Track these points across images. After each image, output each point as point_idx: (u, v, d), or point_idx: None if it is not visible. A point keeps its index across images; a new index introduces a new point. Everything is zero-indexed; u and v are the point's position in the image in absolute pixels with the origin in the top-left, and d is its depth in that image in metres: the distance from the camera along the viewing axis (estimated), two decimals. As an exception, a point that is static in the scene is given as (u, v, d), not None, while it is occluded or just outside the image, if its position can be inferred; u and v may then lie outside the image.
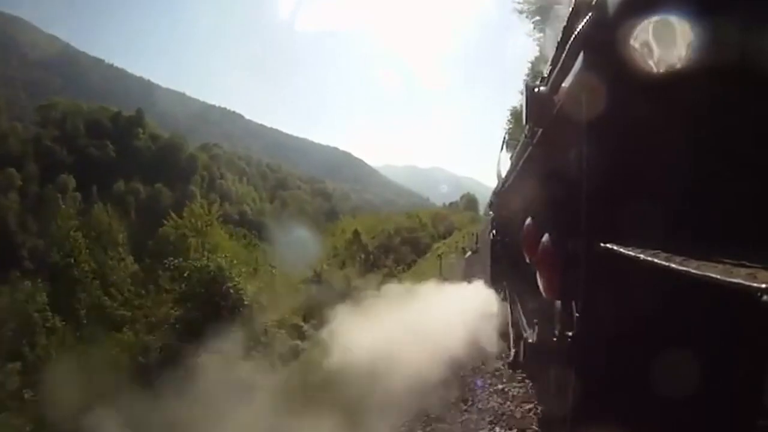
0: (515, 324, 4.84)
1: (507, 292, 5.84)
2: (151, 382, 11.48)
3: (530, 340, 3.44)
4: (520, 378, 5.09)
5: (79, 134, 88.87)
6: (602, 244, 1.35)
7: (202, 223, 26.63)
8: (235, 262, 21.81)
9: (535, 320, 3.39)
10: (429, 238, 41.45)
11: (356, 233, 35.34)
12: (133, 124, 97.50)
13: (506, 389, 5.02)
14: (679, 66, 1.24)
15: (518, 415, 4.44)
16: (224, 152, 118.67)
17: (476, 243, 20.26)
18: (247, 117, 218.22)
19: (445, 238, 42.36)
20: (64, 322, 23.50)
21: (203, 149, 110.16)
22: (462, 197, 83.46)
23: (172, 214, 28.78)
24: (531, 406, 4.49)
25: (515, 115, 22.26)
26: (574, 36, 1.54)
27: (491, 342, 6.22)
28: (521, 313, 4.36)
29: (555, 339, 2.15)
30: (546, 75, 2.22)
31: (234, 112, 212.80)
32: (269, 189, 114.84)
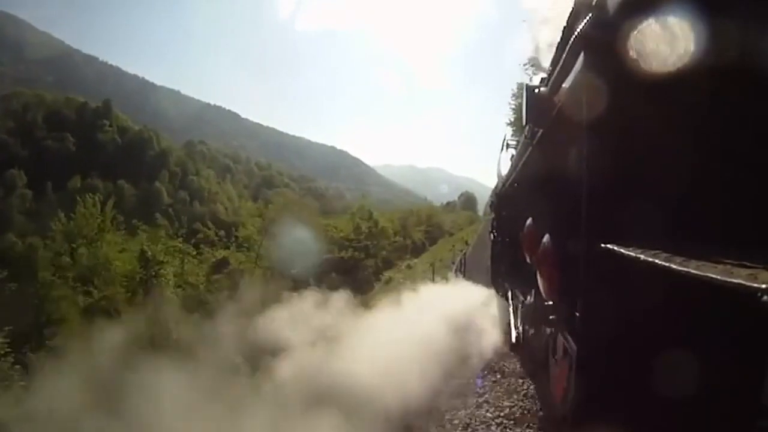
0: (515, 315, 4.85)
1: (507, 292, 5.84)
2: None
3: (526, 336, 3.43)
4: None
5: (38, 126, 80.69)
6: (603, 245, 1.35)
7: (92, 228, 19.35)
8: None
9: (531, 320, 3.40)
10: (393, 253, 25.93)
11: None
12: (99, 115, 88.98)
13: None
14: (679, 66, 1.24)
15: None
16: (208, 149, 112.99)
17: (460, 266, 12.02)
18: (243, 116, 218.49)
19: (422, 251, 28.25)
20: None
21: (187, 146, 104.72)
22: (460, 196, 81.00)
23: (61, 216, 21.06)
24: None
25: (518, 91, 21.40)
26: (574, 37, 1.54)
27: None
28: (520, 313, 4.37)
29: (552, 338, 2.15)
30: (546, 75, 2.22)
31: (229, 110, 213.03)
32: (254, 187, 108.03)
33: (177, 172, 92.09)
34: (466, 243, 26.37)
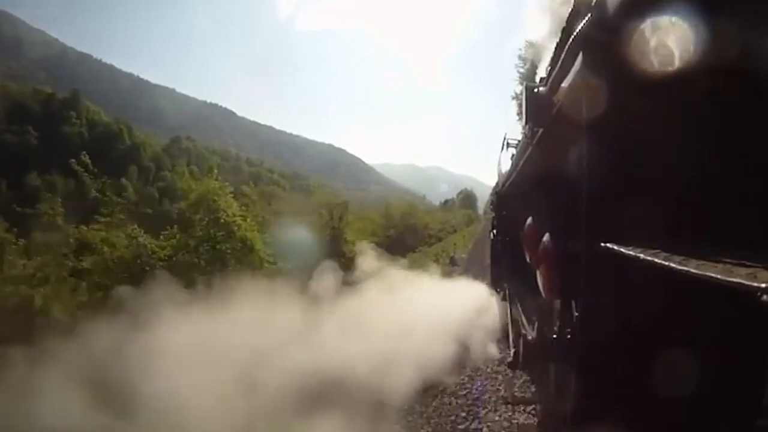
0: (515, 323, 4.86)
1: (507, 291, 5.85)
2: None
3: (529, 338, 3.45)
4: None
5: (-4, 118, 73.23)
6: (602, 244, 1.35)
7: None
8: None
9: (534, 318, 3.40)
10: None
11: None
12: (66, 107, 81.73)
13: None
14: (679, 66, 1.24)
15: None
16: (194, 145, 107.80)
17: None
18: (240, 114, 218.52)
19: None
20: None
21: (173, 142, 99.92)
22: (459, 194, 79.48)
23: None
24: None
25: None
26: (573, 36, 1.54)
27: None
28: (521, 312, 4.38)
29: (554, 338, 2.16)
30: (545, 75, 2.22)
31: (226, 108, 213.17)
32: (239, 185, 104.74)
33: (150, 168, 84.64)
34: (451, 260, 16.09)
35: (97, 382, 4.00)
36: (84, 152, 74.22)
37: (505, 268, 6.10)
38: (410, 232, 28.44)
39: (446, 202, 73.22)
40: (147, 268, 14.20)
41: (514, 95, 22.28)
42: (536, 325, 3.33)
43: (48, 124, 78.28)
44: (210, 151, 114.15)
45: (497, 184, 7.37)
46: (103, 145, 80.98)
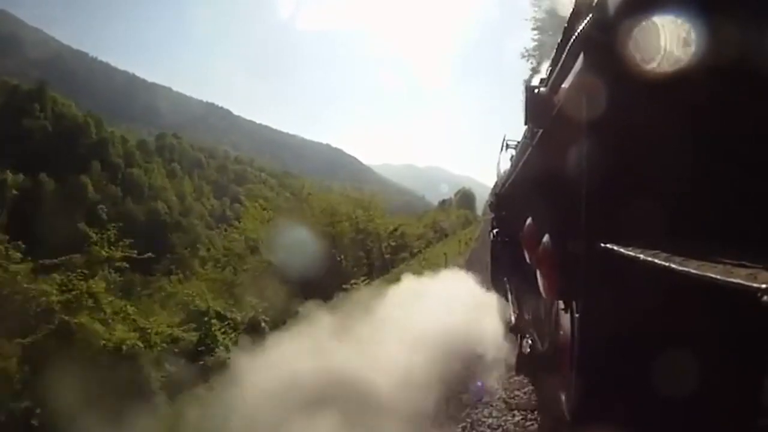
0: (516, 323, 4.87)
1: (507, 292, 5.86)
2: None
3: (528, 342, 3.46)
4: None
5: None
6: (602, 245, 1.35)
7: None
8: None
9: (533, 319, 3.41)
10: None
11: None
12: (32, 100, 74.63)
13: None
14: (679, 66, 1.24)
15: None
16: (179, 142, 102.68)
17: None
18: (236, 113, 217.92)
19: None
20: None
21: (159, 139, 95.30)
22: (456, 193, 77.21)
23: None
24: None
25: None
26: (574, 37, 1.54)
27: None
28: (521, 312, 4.38)
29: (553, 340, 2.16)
30: (546, 75, 2.22)
31: (222, 107, 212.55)
32: (223, 184, 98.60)
33: (119, 164, 77.18)
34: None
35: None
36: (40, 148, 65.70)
37: (505, 269, 6.11)
38: (353, 247, 17.20)
39: (443, 201, 71.78)
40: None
41: (524, 52, 22.90)
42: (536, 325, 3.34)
43: (10, 117, 71.51)
44: (196, 148, 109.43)
45: (497, 184, 7.38)
46: (67, 140, 73.56)
